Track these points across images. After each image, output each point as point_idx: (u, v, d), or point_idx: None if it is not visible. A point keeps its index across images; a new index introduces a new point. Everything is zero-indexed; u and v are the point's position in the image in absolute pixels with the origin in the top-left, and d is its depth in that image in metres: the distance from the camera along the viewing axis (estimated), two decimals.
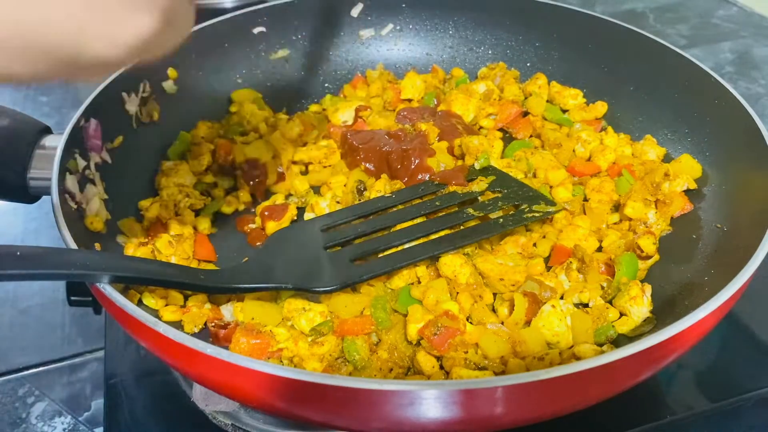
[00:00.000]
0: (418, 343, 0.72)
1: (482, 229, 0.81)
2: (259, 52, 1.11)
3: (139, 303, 0.74)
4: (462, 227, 0.81)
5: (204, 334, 0.74)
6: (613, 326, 0.74)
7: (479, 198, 0.85)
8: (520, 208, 0.84)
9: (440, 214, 0.84)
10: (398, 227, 0.81)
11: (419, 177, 0.89)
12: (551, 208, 0.84)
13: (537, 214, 0.83)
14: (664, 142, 0.96)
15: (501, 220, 0.82)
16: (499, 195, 0.85)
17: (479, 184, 0.86)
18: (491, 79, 1.09)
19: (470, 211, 0.82)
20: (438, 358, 0.71)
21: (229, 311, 0.75)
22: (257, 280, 0.72)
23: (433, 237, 0.80)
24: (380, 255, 0.78)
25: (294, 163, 0.98)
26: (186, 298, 0.77)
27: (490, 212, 0.83)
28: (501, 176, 0.89)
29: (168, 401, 0.78)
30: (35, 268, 0.60)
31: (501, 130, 1.03)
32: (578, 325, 0.73)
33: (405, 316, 0.74)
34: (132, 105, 0.94)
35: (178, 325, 0.74)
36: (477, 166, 0.90)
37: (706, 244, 0.81)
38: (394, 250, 0.78)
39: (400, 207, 0.84)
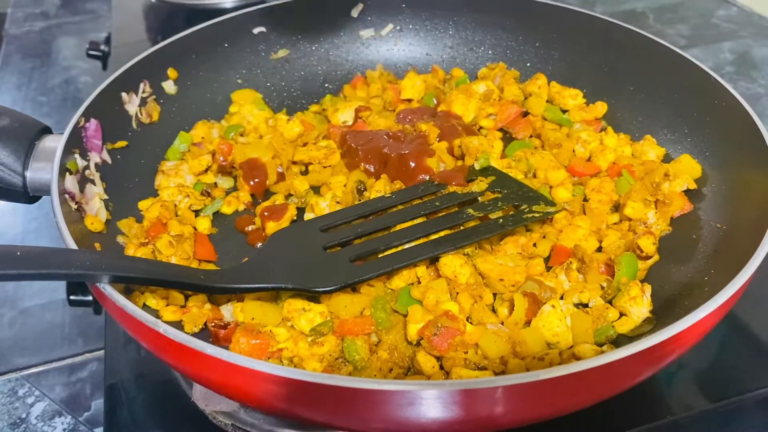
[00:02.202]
0: (418, 344, 0.72)
1: (482, 229, 0.81)
2: (259, 52, 1.11)
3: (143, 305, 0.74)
4: (462, 227, 0.81)
5: (204, 334, 0.74)
6: (613, 326, 0.74)
7: (479, 198, 0.85)
8: (520, 208, 0.84)
9: (440, 215, 0.84)
10: (398, 227, 0.81)
11: (419, 177, 0.89)
12: (551, 209, 0.84)
13: (537, 215, 0.83)
14: (663, 142, 0.96)
15: (501, 220, 0.82)
16: (499, 195, 0.85)
17: (479, 185, 0.86)
18: (491, 80, 1.09)
19: (470, 211, 0.82)
20: (438, 359, 0.70)
21: (229, 311, 0.75)
22: (257, 281, 0.72)
23: (433, 237, 0.80)
24: (380, 255, 0.78)
25: (294, 163, 0.98)
26: (186, 298, 0.77)
27: (490, 212, 0.83)
28: (501, 176, 0.89)
29: (168, 401, 0.78)
30: (35, 269, 0.60)
31: (501, 130, 1.03)
32: (578, 325, 0.72)
33: (405, 316, 0.74)
34: (132, 105, 0.94)
35: (178, 325, 0.74)
36: (477, 167, 0.90)
37: (705, 244, 0.81)
38: (393, 250, 0.78)
39: (400, 207, 0.84)
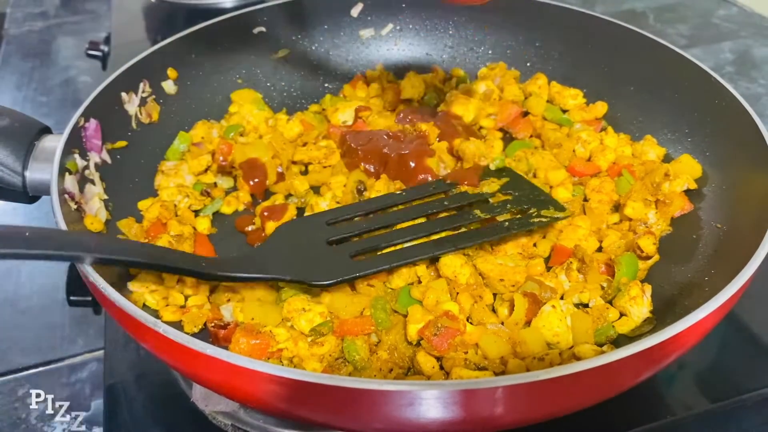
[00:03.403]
0: (418, 344, 0.72)
1: (486, 231, 0.80)
2: (259, 52, 1.11)
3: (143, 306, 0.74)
4: (466, 228, 0.81)
5: (204, 334, 0.74)
6: (613, 326, 0.74)
7: (489, 200, 0.85)
8: (528, 212, 0.83)
9: (445, 215, 0.83)
10: (402, 225, 0.81)
11: (420, 177, 0.89)
12: (560, 214, 0.83)
13: (544, 219, 0.82)
14: (664, 142, 0.96)
15: (507, 223, 0.81)
16: (509, 198, 0.85)
17: (491, 185, 0.86)
18: (491, 79, 1.09)
19: (476, 212, 0.82)
20: (438, 359, 0.70)
21: (228, 311, 0.75)
22: (256, 270, 0.72)
23: (435, 237, 0.79)
24: (380, 252, 0.78)
25: (294, 163, 0.98)
26: (186, 298, 0.77)
27: (498, 214, 0.82)
28: (515, 178, 0.88)
29: (168, 401, 0.78)
30: (24, 248, 0.58)
31: (501, 130, 1.03)
32: (578, 325, 0.72)
33: (405, 316, 0.74)
34: (132, 105, 0.94)
35: (177, 325, 0.74)
36: (492, 167, 0.90)
37: (706, 245, 0.81)
38: (394, 248, 0.78)
39: (408, 205, 0.84)
